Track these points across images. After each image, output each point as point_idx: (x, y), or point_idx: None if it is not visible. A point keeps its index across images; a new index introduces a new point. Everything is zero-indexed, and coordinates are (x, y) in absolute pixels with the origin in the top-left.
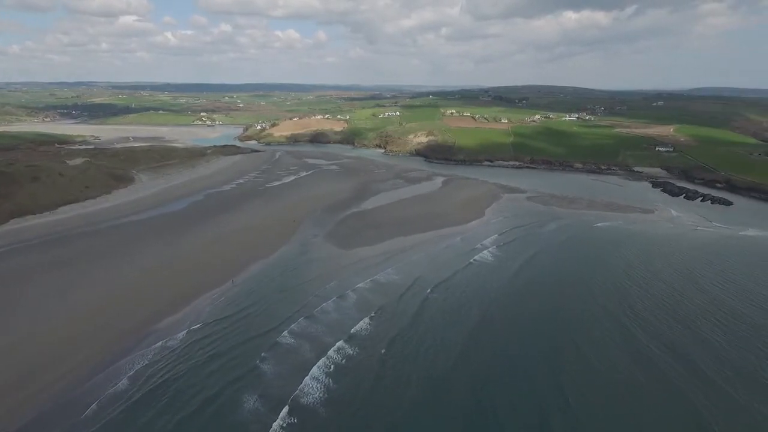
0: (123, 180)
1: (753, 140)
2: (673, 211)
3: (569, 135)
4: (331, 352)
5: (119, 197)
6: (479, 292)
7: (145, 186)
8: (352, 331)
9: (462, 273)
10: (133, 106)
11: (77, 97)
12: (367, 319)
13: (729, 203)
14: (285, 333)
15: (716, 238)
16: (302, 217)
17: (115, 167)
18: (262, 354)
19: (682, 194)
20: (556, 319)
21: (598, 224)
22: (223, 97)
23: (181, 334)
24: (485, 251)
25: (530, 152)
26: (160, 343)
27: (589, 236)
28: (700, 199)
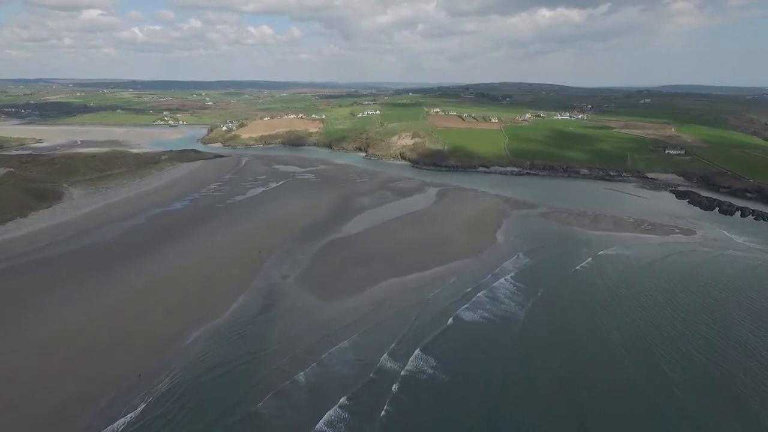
0: (47, 198)
1: (761, 141)
2: (716, 232)
3: (568, 136)
4: None
5: (37, 221)
6: (504, 374)
7: (76, 205)
8: None
9: (481, 340)
10: (91, 104)
11: (31, 94)
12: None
13: None
14: None
15: None
16: (270, 247)
17: (43, 180)
18: None
19: (714, 207)
20: None
21: (632, 253)
22: (191, 94)
23: None
24: (509, 301)
25: (529, 156)
26: None
27: (634, 276)
28: (739, 213)
